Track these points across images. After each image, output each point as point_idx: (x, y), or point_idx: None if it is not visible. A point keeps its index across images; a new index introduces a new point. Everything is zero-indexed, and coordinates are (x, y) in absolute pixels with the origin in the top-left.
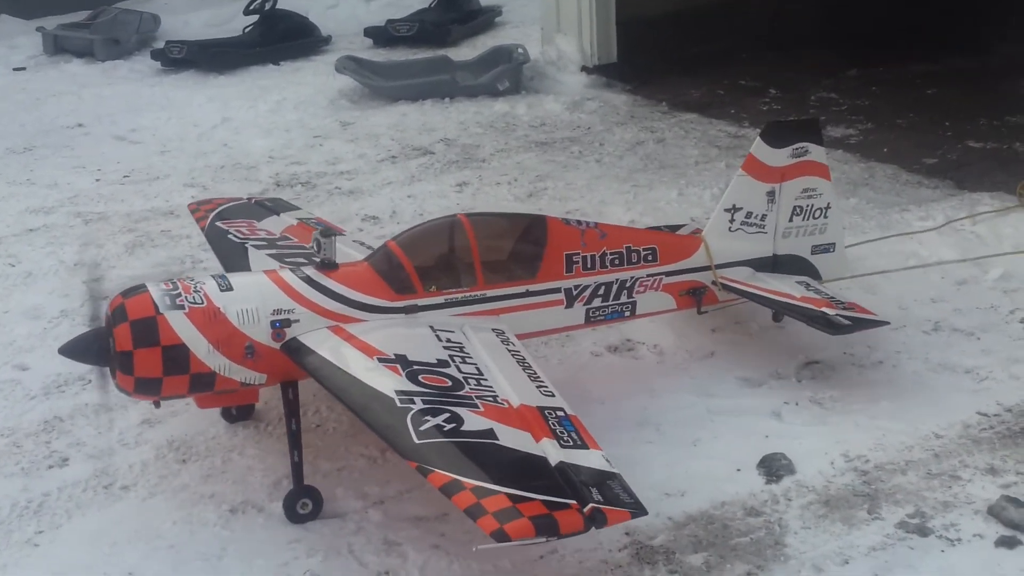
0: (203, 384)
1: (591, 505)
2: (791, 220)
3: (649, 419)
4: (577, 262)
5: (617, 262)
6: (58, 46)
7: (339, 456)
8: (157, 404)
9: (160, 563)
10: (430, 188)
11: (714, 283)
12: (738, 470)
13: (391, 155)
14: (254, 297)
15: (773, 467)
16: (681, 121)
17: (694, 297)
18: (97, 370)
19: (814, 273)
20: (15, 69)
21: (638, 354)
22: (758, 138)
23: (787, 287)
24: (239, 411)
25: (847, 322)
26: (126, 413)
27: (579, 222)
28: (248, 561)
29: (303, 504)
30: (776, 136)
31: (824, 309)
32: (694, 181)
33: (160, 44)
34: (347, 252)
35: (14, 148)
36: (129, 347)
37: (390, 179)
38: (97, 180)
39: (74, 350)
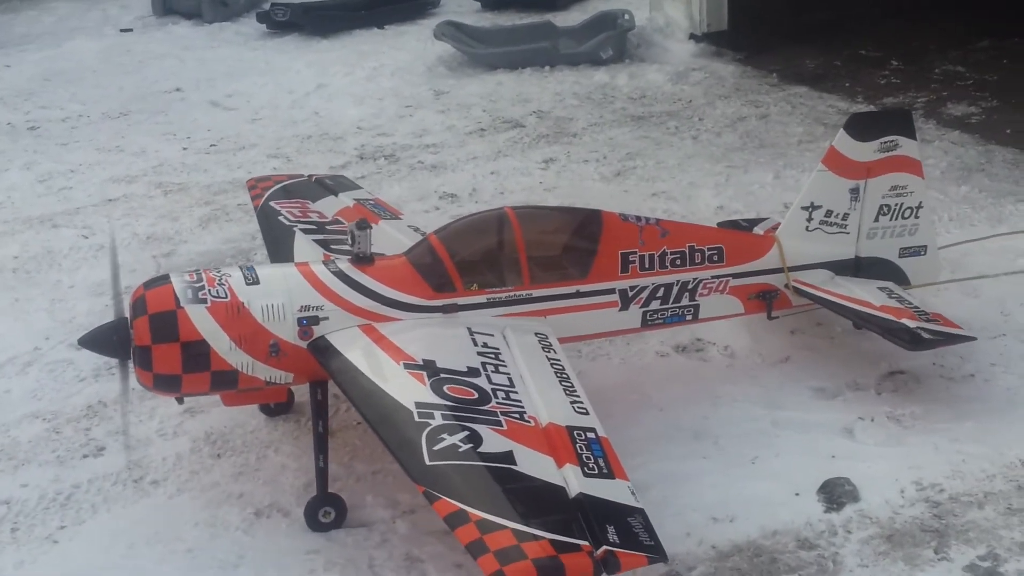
0: (225, 382)
1: (604, 548)
2: (877, 220)
3: (708, 431)
4: (634, 261)
5: (679, 262)
6: (167, 7)
7: (376, 458)
8: (180, 400)
9: (174, 568)
10: (515, 164)
11: (787, 287)
12: (796, 494)
13: (480, 127)
14: (281, 292)
15: (835, 493)
16: (789, 95)
17: (764, 301)
18: (119, 363)
19: (901, 278)
20: (122, 30)
21: (707, 355)
22: (841, 130)
23: (867, 294)
24: (277, 405)
25: (929, 336)
26: (169, 401)
27: (638, 218)
28: (262, 572)
29: (325, 512)
30: (862, 128)
31: (905, 321)
32: (793, 163)
33: (267, 6)
34: (398, 239)
35: (110, 113)
36: (148, 342)
37: (475, 154)
38: (184, 149)
39: (93, 342)
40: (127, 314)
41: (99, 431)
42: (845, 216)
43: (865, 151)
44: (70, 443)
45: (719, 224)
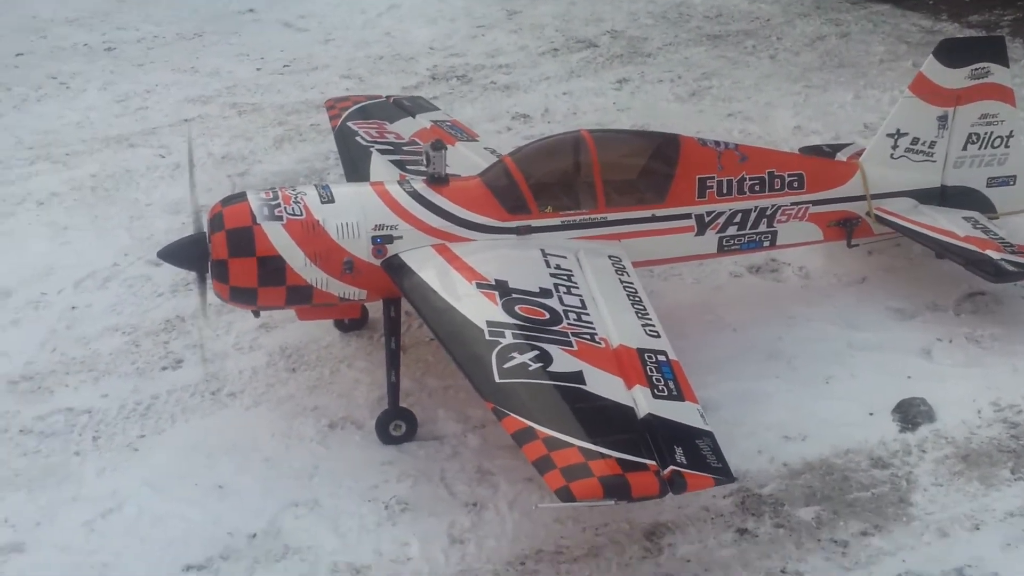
0: (300, 297)
1: (671, 468)
2: (965, 148)
3: (782, 351)
4: (711, 187)
5: (757, 188)
6: None
7: (448, 374)
8: (256, 313)
9: (252, 477)
10: (588, 85)
11: (868, 214)
12: (871, 414)
13: (553, 47)
14: (356, 211)
15: (911, 413)
16: (871, 13)
17: (845, 229)
18: (196, 276)
19: (988, 207)
20: None
21: (782, 276)
22: (931, 56)
23: (951, 223)
24: (351, 321)
25: (1013, 269)
26: (245, 316)
27: (717, 143)
28: (338, 481)
29: (396, 426)
30: (952, 55)
31: (989, 252)
32: (874, 82)
33: None
34: (474, 161)
35: (184, 34)
36: (224, 256)
37: (548, 74)
38: (258, 69)
39: (172, 254)
40: (205, 229)
41: (177, 344)
42: (932, 144)
43: (955, 78)
44: (149, 356)
45: (801, 149)
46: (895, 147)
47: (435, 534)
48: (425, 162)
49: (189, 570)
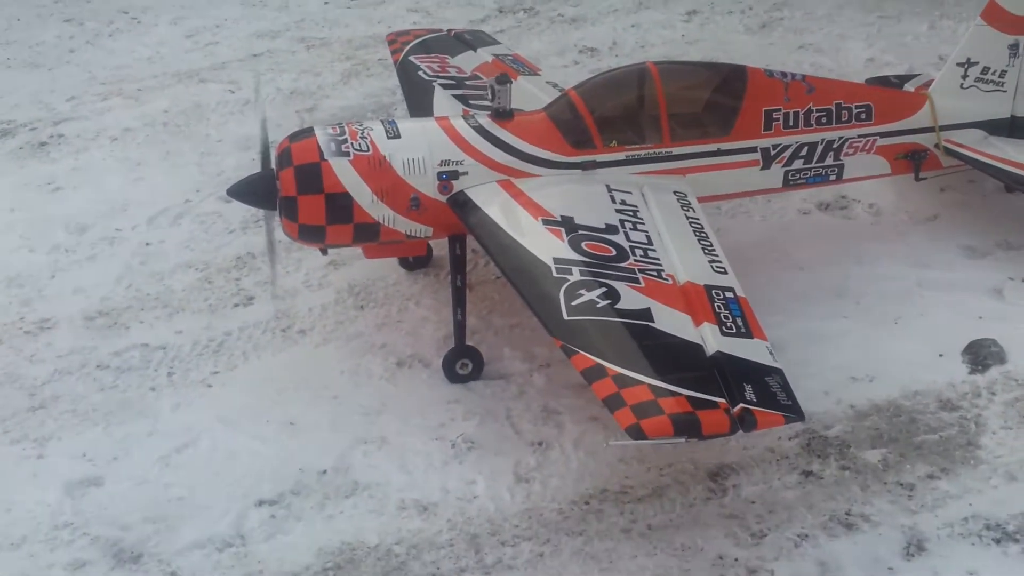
0: (367, 234)
1: (741, 406)
2: None
3: (850, 290)
4: (778, 119)
5: (824, 120)
6: None
7: (514, 312)
8: (324, 251)
9: (321, 414)
10: (657, 17)
11: (937, 146)
12: (940, 355)
13: None
14: (422, 146)
15: (981, 354)
16: None
17: (912, 161)
18: (266, 213)
19: None
20: None
21: (851, 213)
22: None
23: (1022, 155)
24: (416, 259)
25: None
26: (314, 253)
27: (784, 74)
28: (405, 419)
29: (463, 364)
30: None
31: None
32: (950, 13)
33: None
34: (537, 95)
35: None
36: (293, 193)
37: (616, 6)
38: (325, 3)
39: (241, 191)
40: (273, 166)
41: (248, 281)
42: (1003, 73)
43: None
44: (221, 292)
45: (868, 80)
46: (965, 76)
47: (501, 472)
48: (490, 96)
49: (262, 505)
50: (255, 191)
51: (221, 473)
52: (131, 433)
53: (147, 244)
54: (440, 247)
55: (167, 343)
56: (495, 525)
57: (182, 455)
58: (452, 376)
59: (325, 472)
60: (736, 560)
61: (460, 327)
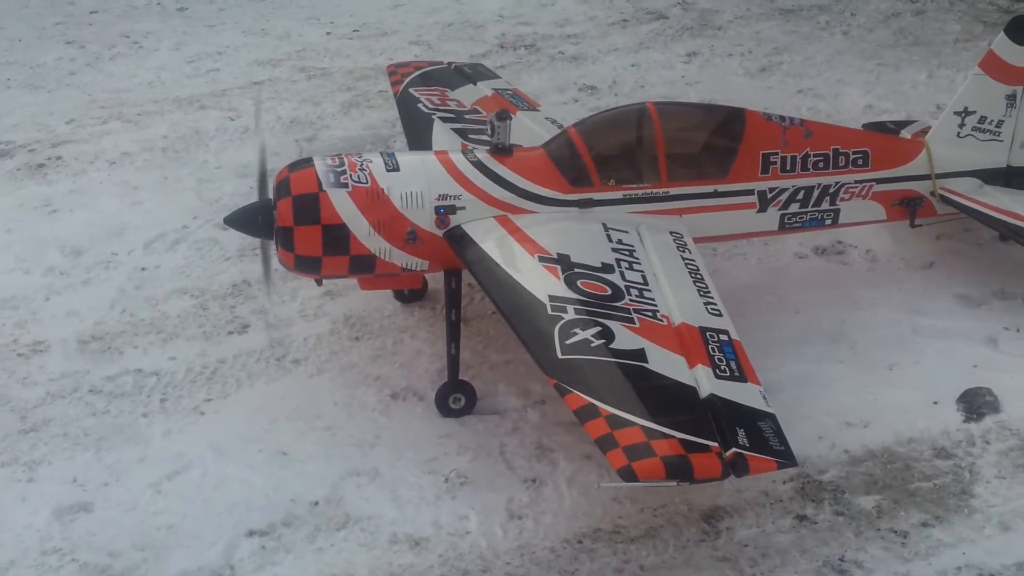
0: (363, 266)
1: (734, 450)
2: None
3: (845, 335)
4: (775, 162)
5: (821, 165)
6: None
7: (509, 347)
8: (319, 282)
9: (313, 444)
10: (657, 57)
11: (933, 194)
12: (935, 403)
13: (623, 18)
14: (420, 180)
15: (975, 403)
16: None
17: (908, 208)
18: (262, 241)
19: None
20: None
21: (847, 259)
22: (1002, 33)
23: (1017, 205)
24: (411, 292)
25: None
26: (310, 283)
27: (782, 118)
28: (398, 452)
29: (455, 399)
30: None
31: None
32: (948, 62)
33: None
34: (535, 131)
35: None
36: (290, 223)
37: (617, 45)
38: (328, 33)
39: (238, 220)
40: (271, 195)
41: (243, 309)
42: (999, 123)
43: None
44: (216, 319)
45: (865, 126)
46: (962, 125)
47: (493, 508)
48: (490, 131)
49: (252, 535)
50: (253, 220)
51: (211, 502)
52: (122, 459)
53: (143, 269)
54: (435, 280)
55: (160, 369)
56: (487, 562)
57: (173, 482)
58: (445, 410)
59: (317, 503)
60: None
61: (454, 361)
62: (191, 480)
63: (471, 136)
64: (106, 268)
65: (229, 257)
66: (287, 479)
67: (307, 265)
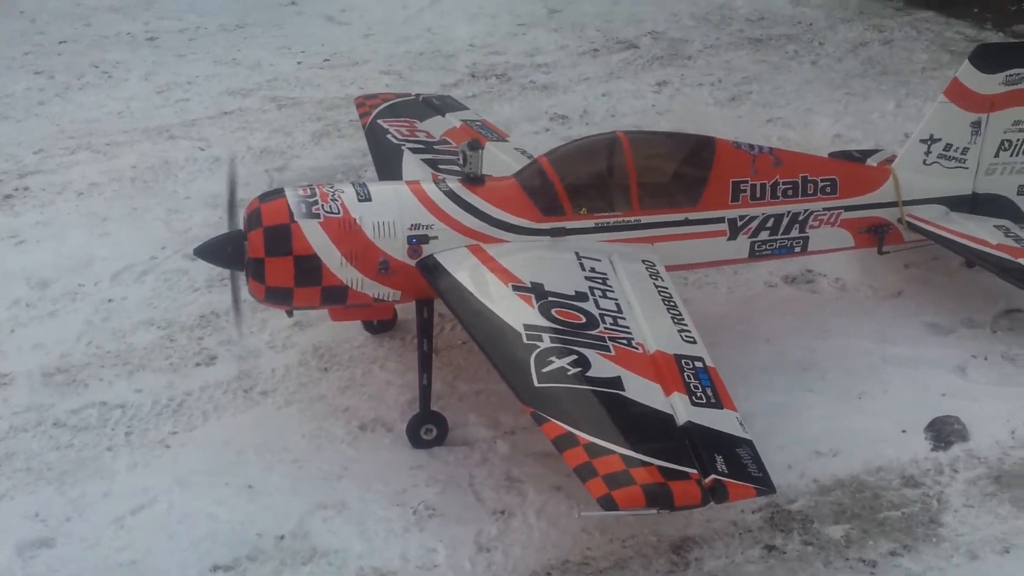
0: (335, 297)
1: (713, 477)
2: (997, 155)
3: (816, 364)
4: (745, 190)
5: (790, 193)
6: None
7: (479, 378)
8: (290, 313)
9: (281, 477)
10: (627, 87)
11: (900, 221)
12: (903, 431)
13: (593, 48)
14: (392, 209)
15: (944, 431)
16: (915, 20)
17: (876, 235)
18: (232, 273)
19: (1019, 215)
20: None
21: (817, 287)
22: (966, 61)
23: (983, 231)
24: (380, 323)
25: None
26: (279, 313)
27: (751, 146)
28: (366, 484)
29: (427, 430)
30: (988, 60)
31: (1022, 260)
32: (916, 91)
33: None
34: (505, 161)
35: (226, 25)
36: (262, 254)
37: (587, 75)
38: (299, 63)
39: (208, 251)
40: (242, 226)
41: (211, 340)
42: (964, 150)
43: (990, 84)
44: (183, 351)
45: (831, 154)
46: (928, 153)
47: (462, 541)
48: (461, 161)
49: (217, 570)
50: (223, 251)
51: (176, 536)
52: (85, 493)
53: (109, 300)
54: (405, 311)
55: (126, 402)
56: None
57: (137, 517)
58: (416, 441)
59: (283, 537)
60: None
61: (425, 392)
62: (156, 515)
63: (441, 167)
64: (73, 300)
65: (198, 288)
66: (253, 513)
67: (278, 296)
